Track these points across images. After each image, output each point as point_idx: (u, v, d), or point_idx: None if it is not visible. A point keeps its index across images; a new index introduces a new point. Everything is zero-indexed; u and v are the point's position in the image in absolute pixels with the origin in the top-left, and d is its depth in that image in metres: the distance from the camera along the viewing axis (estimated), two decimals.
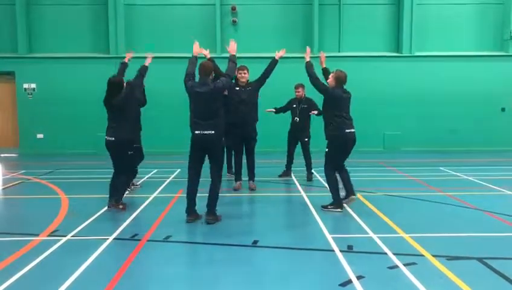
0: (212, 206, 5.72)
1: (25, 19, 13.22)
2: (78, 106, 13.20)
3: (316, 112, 8.17)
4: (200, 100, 5.60)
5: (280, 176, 8.93)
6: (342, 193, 6.36)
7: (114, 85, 6.12)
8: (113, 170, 6.44)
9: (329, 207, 6.31)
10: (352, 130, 6.28)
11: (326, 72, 6.82)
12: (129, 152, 6.24)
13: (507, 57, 13.55)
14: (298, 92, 8.53)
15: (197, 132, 5.60)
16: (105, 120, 6.24)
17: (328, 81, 6.45)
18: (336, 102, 6.22)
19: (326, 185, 6.50)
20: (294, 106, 8.59)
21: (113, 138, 6.11)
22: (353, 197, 6.36)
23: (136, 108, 6.78)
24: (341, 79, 6.26)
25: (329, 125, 6.25)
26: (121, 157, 6.22)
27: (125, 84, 6.26)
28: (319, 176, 8.76)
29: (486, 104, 13.50)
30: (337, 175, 6.44)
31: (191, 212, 5.78)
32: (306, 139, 8.58)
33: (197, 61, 5.97)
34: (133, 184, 7.54)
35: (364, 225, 5.55)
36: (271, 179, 8.75)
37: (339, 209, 6.26)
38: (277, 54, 7.46)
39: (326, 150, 6.34)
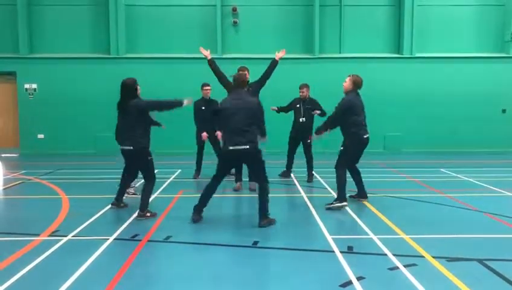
0: (263, 211, 5.59)
1: (26, 19, 13.23)
2: (78, 106, 13.21)
3: (318, 112, 8.19)
4: (235, 113, 5.50)
5: (280, 175, 8.92)
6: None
7: (128, 87, 5.83)
8: (124, 172, 6.42)
9: (333, 203, 6.39)
10: (368, 134, 6.58)
11: None
12: (149, 157, 5.97)
13: (508, 59, 13.55)
14: (302, 92, 8.49)
15: (231, 148, 5.50)
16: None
17: (344, 84, 6.55)
18: (352, 110, 6.39)
19: (335, 182, 6.52)
20: (298, 106, 8.53)
21: (131, 147, 5.81)
22: (365, 200, 6.82)
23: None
24: (358, 83, 6.45)
25: (349, 132, 6.43)
26: (142, 164, 6.01)
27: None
28: (320, 177, 8.76)
29: (486, 106, 13.49)
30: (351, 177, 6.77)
31: (199, 212, 5.74)
32: (309, 141, 8.51)
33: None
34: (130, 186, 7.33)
35: (364, 226, 5.55)
36: (271, 180, 8.73)
37: (344, 203, 6.36)
38: (277, 55, 7.47)
39: (341, 148, 6.51)
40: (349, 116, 6.38)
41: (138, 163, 6.05)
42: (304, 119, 8.43)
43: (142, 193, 6.05)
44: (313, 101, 8.50)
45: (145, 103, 5.93)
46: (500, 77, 13.50)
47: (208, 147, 8.77)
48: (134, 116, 5.79)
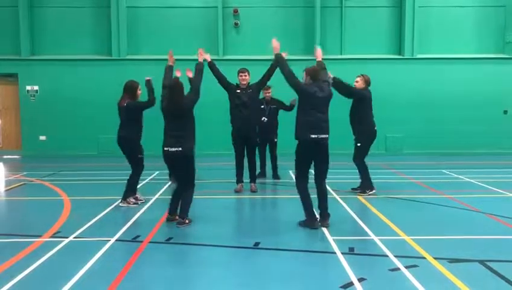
0: (326, 209, 5.63)
1: (28, 21, 13.25)
2: (80, 108, 13.21)
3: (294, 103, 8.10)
4: (319, 105, 5.46)
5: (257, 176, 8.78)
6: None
7: (177, 89, 5.61)
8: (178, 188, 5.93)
9: (360, 193, 7.26)
10: (376, 127, 7.30)
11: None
12: (193, 162, 5.79)
13: (509, 60, 13.51)
14: (269, 93, 8.65)
15: (313, 136, 5.39)
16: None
17: (356, 84, 7.28)
18: (368, 102, 7.16)
19: (359, 172, 7.38)
20: (263, 106, 8.61)
21: (180, 148, 5.53)
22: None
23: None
24: (368, 82, 7.34)
25: (361, 125, 7.14)
26: (185, 168, 5.70)
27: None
28: None
29: (488, 107, 13.44)
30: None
31: (315, 217, 5.63)
32: (275, 140, 8.85)
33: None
34: (138, 199, 6.96)
35: (365, 227, 5.56)
36: (272, 181, 8.76)
37: (370, 191, 7.27)
38: None
39: (358, 144, 7.19)
40: (365, 107, 7.09)
41: (182, 166, 5.71)
42: (266, 119, 8.52)
43: (182, 200, 5.75)
44: (277, 100, 8.75)
45: (192, 96, 5.75)
46: (501, 78, 13.45)
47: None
48: (185, 115, 5.63)
